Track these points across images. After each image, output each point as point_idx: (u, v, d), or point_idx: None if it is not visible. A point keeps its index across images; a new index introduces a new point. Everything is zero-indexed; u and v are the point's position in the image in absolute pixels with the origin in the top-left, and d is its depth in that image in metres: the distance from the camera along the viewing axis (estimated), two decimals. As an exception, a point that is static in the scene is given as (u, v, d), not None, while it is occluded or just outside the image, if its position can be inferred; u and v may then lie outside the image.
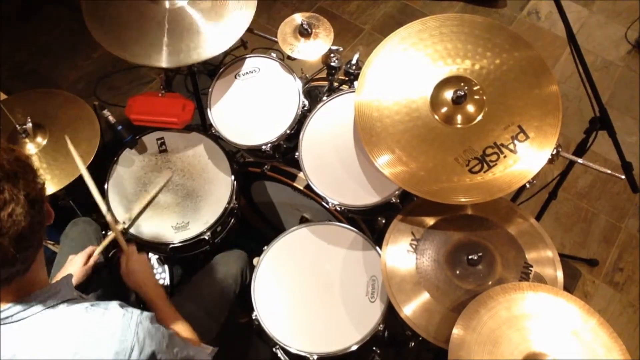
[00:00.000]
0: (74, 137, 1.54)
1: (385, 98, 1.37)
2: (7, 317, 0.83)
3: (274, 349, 1.48)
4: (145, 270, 1.33)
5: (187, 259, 1.64)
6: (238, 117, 1.61)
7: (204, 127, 1.99)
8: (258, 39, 1.80)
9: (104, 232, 1.54)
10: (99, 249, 1.41)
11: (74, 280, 1.26)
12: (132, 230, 1.53)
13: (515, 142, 1.28)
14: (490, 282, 1.29)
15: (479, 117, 1.32)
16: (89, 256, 1.37)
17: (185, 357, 0.98)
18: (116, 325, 0.87)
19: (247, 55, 1.68)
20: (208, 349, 1.14)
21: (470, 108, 1.32)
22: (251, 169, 1.70)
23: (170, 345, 0.93)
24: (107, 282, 1.46)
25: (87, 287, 1.37)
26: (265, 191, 1.82)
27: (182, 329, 1.20)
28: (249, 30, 1.57)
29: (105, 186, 1.59)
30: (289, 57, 1.62)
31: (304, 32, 1.59)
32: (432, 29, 1.39)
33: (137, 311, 0.90)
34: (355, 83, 1.45)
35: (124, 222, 1.51)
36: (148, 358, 0.88)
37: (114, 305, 0.90)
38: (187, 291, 1.51)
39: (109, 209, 1.50)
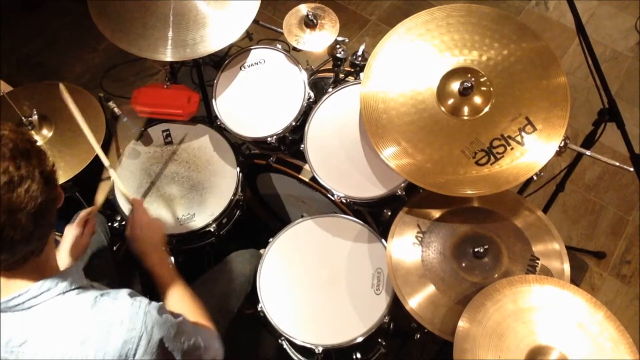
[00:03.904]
0: (80, 129, 1.54)
1: (391, 90, 1.36)
2: (18, 304, 0.83)
3: (279, 341, 1.49)
4: (154, 226, 1.27)
5: (193, 250, 1.65)
6: (243, 109, 1.61)
7: (209, 119, 1.99)
8: (263, 30, 1.79)
9: (109, 224, 1.55)
10: (97, 203, 1.33)
11: (74, 256, 1.20)
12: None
13: (523, 134, 1.26)
14: (496, 275, 1.29)
15: (486, 109, 1.31)
16: (85, 222, 1.25)
17: (193, 345, 0.98)
18: (124, 314, 0.87)
19: (252, 47, 1.67)
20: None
21: (477, 100, 1.31)
22: (257, 161, 1.70)
23: (178, 334, 0.93)
24: (112, 272, 1.47)
25: (91, 275, 1.33)
26: (270, 183, 1.82)
27: (181, 299, 1.16)
28: (255, 21, 1.56)
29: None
30: (294, 49, 1.61)
31: (309, 23, 1.58)
32: (439, 20, 1.37)
33: (145, 300, 0.91)
34: (361, 74, 1.44)
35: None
36: (156, 346, 0.89)
37: (123, 294, 0.91)
38: (199, 285, 1.51)
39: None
